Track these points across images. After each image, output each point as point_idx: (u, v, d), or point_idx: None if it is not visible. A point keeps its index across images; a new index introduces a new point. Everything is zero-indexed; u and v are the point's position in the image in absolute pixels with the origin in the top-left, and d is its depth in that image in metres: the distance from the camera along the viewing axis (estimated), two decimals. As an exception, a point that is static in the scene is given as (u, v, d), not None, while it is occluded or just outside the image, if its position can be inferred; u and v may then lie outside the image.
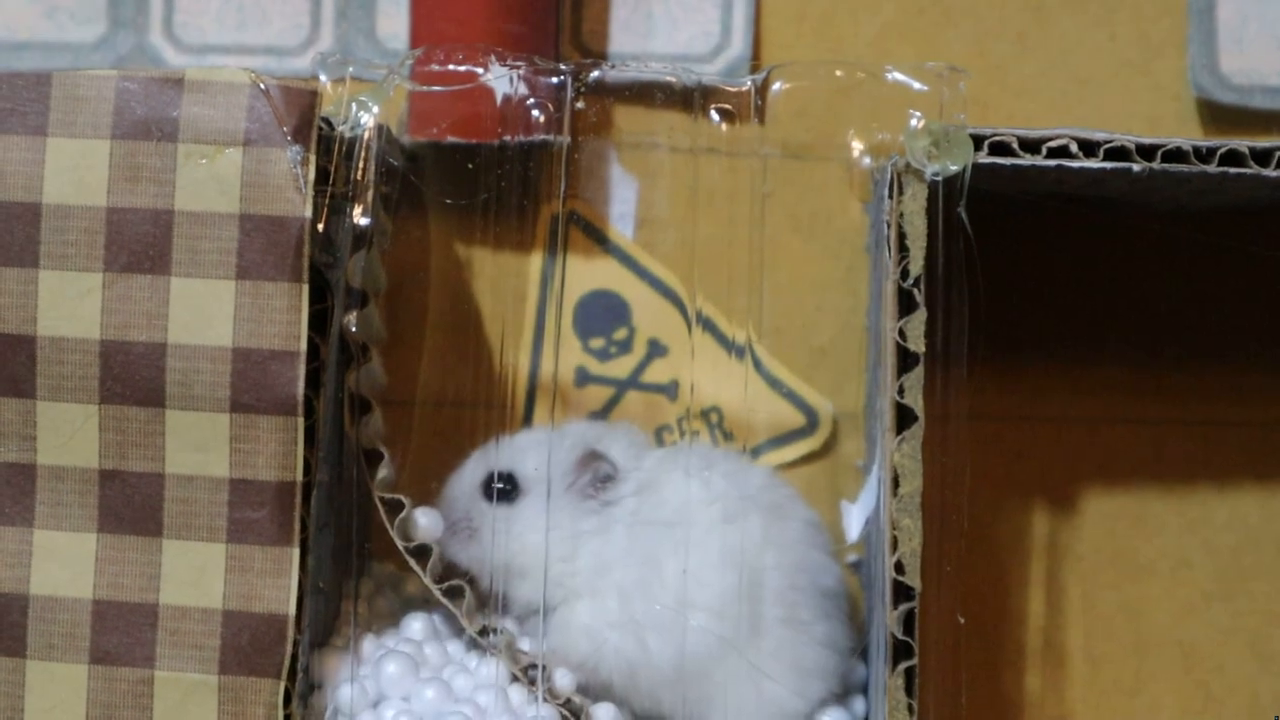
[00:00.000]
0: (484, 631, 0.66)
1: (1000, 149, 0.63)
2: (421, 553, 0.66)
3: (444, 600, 0.66)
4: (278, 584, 0.62)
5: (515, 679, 0.66)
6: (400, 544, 0.66)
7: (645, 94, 0.73)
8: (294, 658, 0.62)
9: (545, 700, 0.65)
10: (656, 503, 0.67)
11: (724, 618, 0.65)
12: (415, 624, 0.69)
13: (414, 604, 0.71)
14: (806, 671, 0.67)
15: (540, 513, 0.66)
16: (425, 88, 0.69)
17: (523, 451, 0.68)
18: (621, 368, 0.75)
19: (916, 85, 0.66)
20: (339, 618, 0.69)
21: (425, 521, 0.67)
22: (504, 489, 0.67)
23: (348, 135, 0.64)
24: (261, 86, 0.61)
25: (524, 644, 0.67)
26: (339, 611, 0.69)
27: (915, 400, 0.62)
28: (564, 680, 0.66)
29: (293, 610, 0.62)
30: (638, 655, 0.66)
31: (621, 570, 0.66)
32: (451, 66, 0.68)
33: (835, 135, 0.70)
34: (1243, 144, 0.63)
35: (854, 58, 0.74)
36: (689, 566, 0.65)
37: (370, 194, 0.64)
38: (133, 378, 0.61)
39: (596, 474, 0.67)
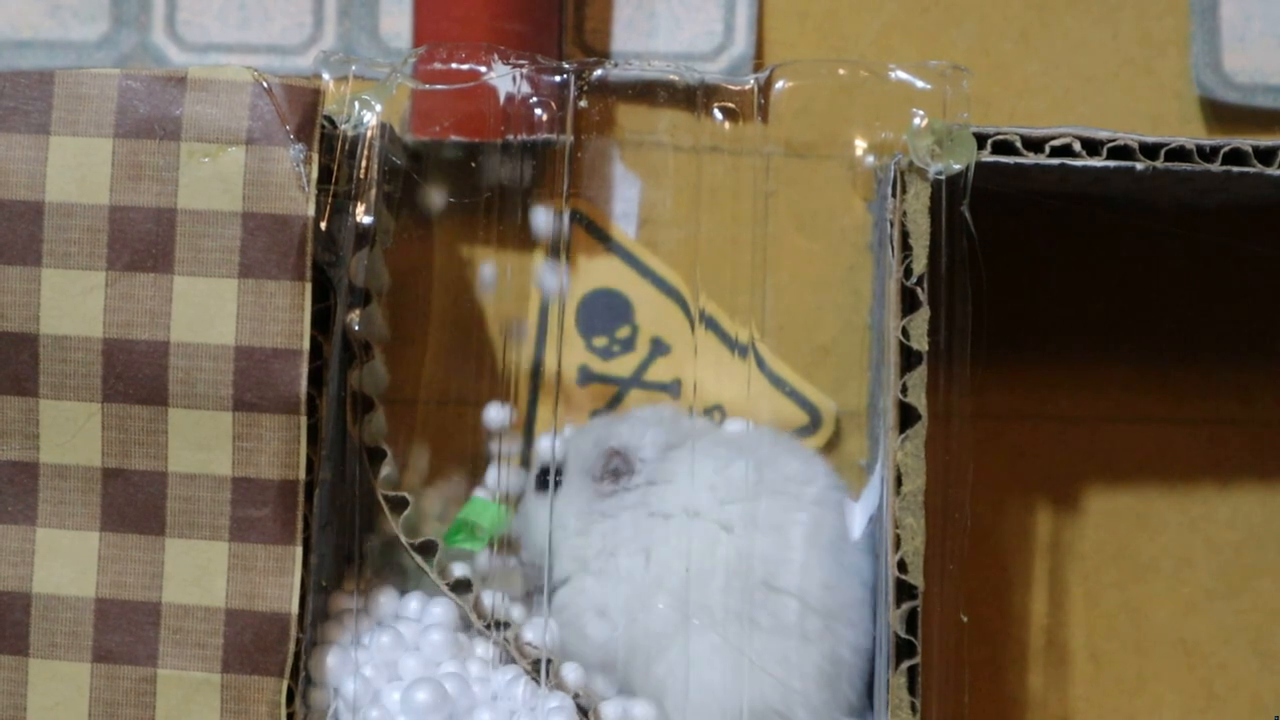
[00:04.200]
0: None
1: (1003, 147, 0.63)
2: (426, 549, 0.66)
3: (450, 596, 0.66)
4: (280, 582, 0.62)
5: (524, 673, 0.66)
6: (405, 541, 0.66)
7: (648, 93, 0.73)
8: (297, 656, 0.62)
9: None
10: (663, 496, 0.67)
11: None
12: (435, 608, 0.69)
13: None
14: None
15: (560, 499, 0.68)
16: (428, 86, 0.69)
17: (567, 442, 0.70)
18: (624, 366, 0.75)
19: (919, 84, 0.66)
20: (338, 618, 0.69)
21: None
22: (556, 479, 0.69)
23: (350, 134, 0.64)
24: (264, 85, 0.61)
25: (527, 630, 0.67)
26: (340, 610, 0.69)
27: (918, 399, 0.62)
28: (571, 675, 0.66)
29: (295, 609, 0.62)
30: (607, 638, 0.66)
31: (625, 557, 0.67)
32: (454, 65, 0.68)
33: (838, 134, 0.70)
34: (1246, 143, 0.63)
35: (857, 56, 0.74)
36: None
37: (373, 192, 0.64)
38: (135, 376, 0.61)
39: (607, 467, 0.68)
